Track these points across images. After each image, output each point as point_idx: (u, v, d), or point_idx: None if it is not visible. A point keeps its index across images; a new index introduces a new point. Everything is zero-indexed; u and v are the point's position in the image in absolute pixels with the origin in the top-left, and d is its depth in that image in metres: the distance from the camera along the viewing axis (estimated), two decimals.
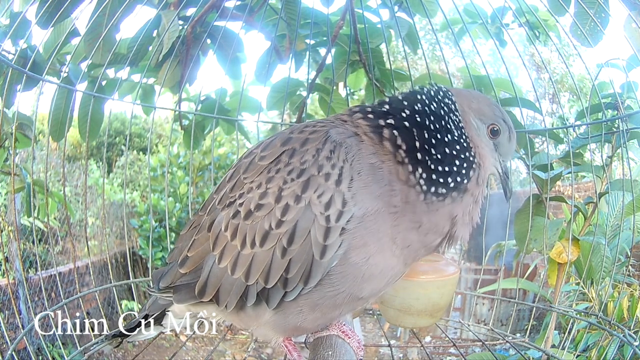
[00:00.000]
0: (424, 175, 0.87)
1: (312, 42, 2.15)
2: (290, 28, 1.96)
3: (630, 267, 3.24)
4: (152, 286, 1.10)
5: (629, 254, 2.60)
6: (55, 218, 4.99)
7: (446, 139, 0.90)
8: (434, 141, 0.89)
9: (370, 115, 0.92)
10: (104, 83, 1.99)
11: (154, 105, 1.99)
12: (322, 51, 2.20)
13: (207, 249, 0.95)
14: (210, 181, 6.97)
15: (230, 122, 2.30)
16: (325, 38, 2.15)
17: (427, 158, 0.88)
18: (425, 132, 0.89)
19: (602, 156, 1.70)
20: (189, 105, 2.37)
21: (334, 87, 2.18)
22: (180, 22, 1.88)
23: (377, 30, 2.08)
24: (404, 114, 0.91)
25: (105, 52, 1.63)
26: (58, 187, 4.67)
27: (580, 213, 1.86)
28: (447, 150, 0.89)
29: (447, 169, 0.88)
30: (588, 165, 1.82)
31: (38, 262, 4.19)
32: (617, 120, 1.62)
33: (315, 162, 0.85)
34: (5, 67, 1.51)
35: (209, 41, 2.03)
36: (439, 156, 0.88)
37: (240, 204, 0.90)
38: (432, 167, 0.87)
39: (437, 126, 0.90)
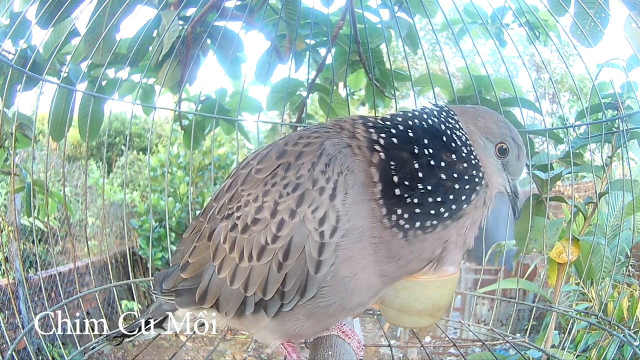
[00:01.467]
0: (405, 216, 0.82)
1: (312, 42, 2.15)
2: (290, 28, 1.96)
3: (630, 267, 3.24)
4: (154, 288, 1.11)
5: (629, 254, 2.60)
6: (55, 218, 4.98)
7: (444, 163, 0.84)
8: (426, 171, 0.83)
9: (372, 130, 0.89)
10: (104, 83, 1.99)
11: (154, 105, 1.99)
12: (322, 51, 2.21)
13: (207, 257, 0.96)
14: (210, 181, 6.97)
15: (230, 122, 2.30)
16: (325, 38, 2.15)
17: (410, 194, 0.82)
18: (416, 161, 0.83)
19: (602, 156, 1.70)
20: (189, 105, 2.37)
21: (334, 87, 2.18)
22: (180, 22, 1.88)
23: (377, 30, 2.08)
24: (395, 140, 0.86)
25: (105, 52, 1.63)
26: (58, 187, 4.67)
27: (580, 213, 1.86)
28: (444, 177, 0.83)
29: (439, 199, 0.83)
30: (588, 165, 1.82)
31: (38, 262, 4.17)
32: (617, 120, 1.62)
33: (310, 176, 0.84)
34: (5, 67, 1.51)
35: (209, 41, 2.03)
36: (429, 188, 0.82)
37: (238, 217, 0.91)
38: (418, 202, 0.82)
39: (434, 150, 0.84)
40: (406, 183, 0.83)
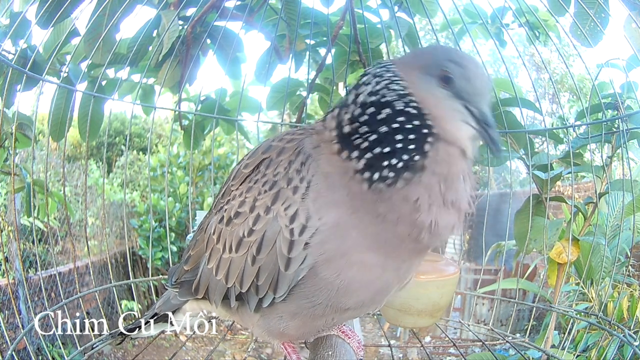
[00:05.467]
0: (363, 163, 0.80)
1: (312, 42, 2.15)
2: (290, 28, 1.96)
3: (630, 267, 3.24)
4: (167, 282, 1.16)
5: (629, 254, 2.60)
6: (55, 218, 4.99)
7: (384, 116, 0.81)
8: (370, 121, 0.81)
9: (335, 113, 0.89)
10: (104, 83, 1.99)
11: (154, 105, 1.99)
12: (322, 51, 2.20)
13: (203, 249, 1.01)
14: (210, 181, 6.97)
15: (230, 122, 2.30)
16: (325, 38, 2.15)
17: (362, 141, 0.81)
18: (360, 116, 0.83)
19: (602, 156, 1.70)
20: (189, 105, 2.37)
21: (334, 87, 2.18)
22: (180, 22, 1.87)
23: (377, 30, 2.08)
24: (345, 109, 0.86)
25: (105, 52, 1.63)
26: (58, 187, 4.67)
27: (580, 213, 1.86)
28: (386, 128, 0.80)
29: (388, 148, 0.79)
30: (588, 165, 1.82)
31: (38, 262, 4.18)
32: (617, 120, 1.62)
33: (286, 175, 0.86)
34: (5, 67, 1.51)
35: (209, 41, 2.03)
36: (375, 136, 0.80)
37: (225, 210, 0.94)
38: (370, 149, 0.80)
39: (373, 105, 0.82)
40: (355, 126, 0.82)
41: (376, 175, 0.80)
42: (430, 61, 0.84)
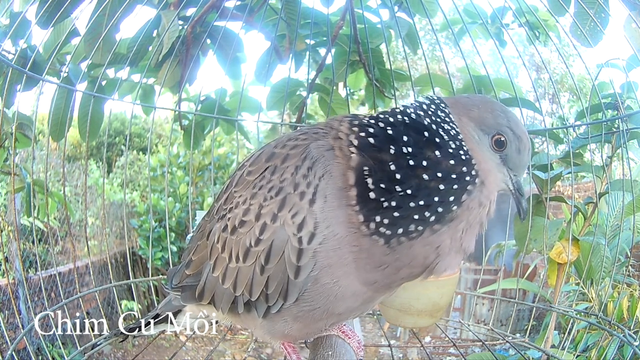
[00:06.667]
0: (385, 221, 0.77)
1: (312, 42, 2.15)
2: (290, 28, 1.96)
3: (630, 267, 3.24)
4: (166, 284, 1.15)
5: (629, 254, 2.60)
6: (55, 218, 4.99)
7: (427, 162, 0.77)
8: (405, 172, 0.77)
9: (355, 129, 0.84)
10: (104, 83, 1.99)
11: (154, 105, 1.99)
12: (322, 51, 2.20)
13: (206, 256, 0.99)
14: (210, 181, 6.97)
15: (230, 122, 2.30)
16: (325, 38, 2.15)
17: (388, 198, 0.76)
18: (393, 162, 0.78)
19: (602, 156, 1.70)
20: (189, 105, 2.37)
21: (334, 87, 2.18)
22: (180, 22, 1.88)
23: (377, 30, 2.08)
24: (372, 139, 0.80)
25: (105, 52, 1.63)
26: (58, 187, 4.67)
27: (580, 213, 1.86)
28: (426, 177, 0.77)
29: (423, 202, 0.76)
30: (588, 165, 1.82)
31: (38, 262, 4.17)
32: (617, 120, 1.62)
33: (293, 180, 0.83)
34: (5, 67, 1.51)
35: (209, 41, 2.03)
36: (409, 191, 0.76)
37: (229, 219, 0.92)
38: (397, 206, 0.76)
39: (414, 148, 0.78)
40: (382, 186, 0.77)
41: (400, 231, 0.77)
42: (489, 119, 0.84)
